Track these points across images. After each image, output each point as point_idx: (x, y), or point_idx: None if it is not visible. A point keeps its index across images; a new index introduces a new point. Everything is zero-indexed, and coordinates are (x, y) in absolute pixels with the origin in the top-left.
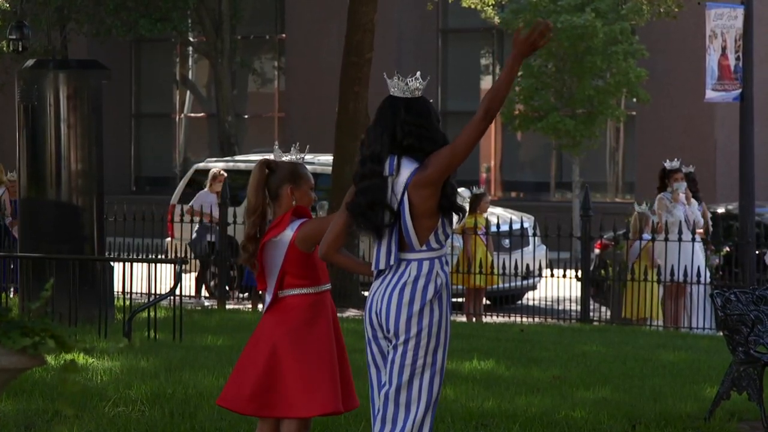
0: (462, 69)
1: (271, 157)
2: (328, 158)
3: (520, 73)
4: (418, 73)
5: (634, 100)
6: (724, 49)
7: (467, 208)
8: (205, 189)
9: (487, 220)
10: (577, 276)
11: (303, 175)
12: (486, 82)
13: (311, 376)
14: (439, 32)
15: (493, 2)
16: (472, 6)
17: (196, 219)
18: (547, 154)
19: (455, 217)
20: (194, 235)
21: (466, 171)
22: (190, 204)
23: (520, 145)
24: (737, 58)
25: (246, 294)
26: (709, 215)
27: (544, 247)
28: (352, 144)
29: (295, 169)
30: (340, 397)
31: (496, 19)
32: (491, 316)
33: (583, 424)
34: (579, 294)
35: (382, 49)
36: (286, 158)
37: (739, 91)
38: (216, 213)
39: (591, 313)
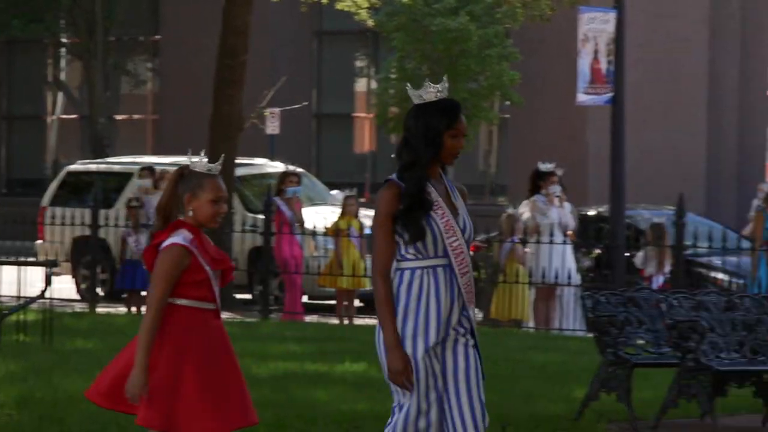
0: (338, 71)
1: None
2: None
3: (394, 75)
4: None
5: (508, 103)
6: (596, 52)
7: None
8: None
9: (360, 222)
10: None
11: (204, 186)
12: (361, 84)
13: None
14: (315, 34)
15: (367, 5)
16: (346, 9)
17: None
18: None
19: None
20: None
21: (339, 173)
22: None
23: (394, 147)
24: (609, 62)
25: (124, 296)
26: (576, 217)
27: None
28: (226, 146)
29: (197, 178)
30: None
31: (370, 22)
32: (364, 318)
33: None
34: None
35: (257, 51)
36: (200, 166)
37: (611, 94)
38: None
39: None
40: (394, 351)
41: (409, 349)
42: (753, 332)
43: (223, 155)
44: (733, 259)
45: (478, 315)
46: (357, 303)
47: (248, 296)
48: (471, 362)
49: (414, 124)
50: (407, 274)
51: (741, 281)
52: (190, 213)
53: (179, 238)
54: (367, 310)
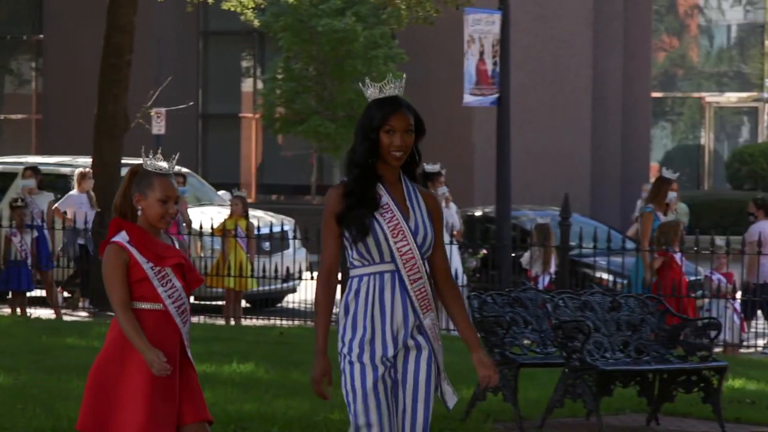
0: (223, 72)
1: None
2: (87, 160)
3: (280, 76)
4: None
5: None
6: (481, 54)
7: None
8: (74, 190)
9: (248, 223)
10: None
11: (153, 185)
12: (247, 85)
13: None
14: (200, 34)
15: (253, 5)
16: (232, 9)
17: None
18: (308, 157)
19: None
20: (64, 240)
21: (227, 174)
22: (55, 206)
23: (280, 148)
24: (494, 63)
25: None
26: (461, 217)
27: (305, 250)
28: (110, 146)
29: (147, 177)
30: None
31: (256, 22)
32: (251, 318)
33: (341, 426)
34: (339, 296)
35: (142, 51)
36: (151, 165)
37: (496, 95)
38: (91, 213)
39: None
40: (317, 358)
41: (355, 363)
42: (637, 332)
43: (177, 155)
44: (617, 259)
45: None
46: (244, 304)
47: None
48: (421, 376)
49: (358, 121)
50: (355, 281)
51: (625, 281)
52: (139, 212)
53: (118, 236)
54: (254, 311)
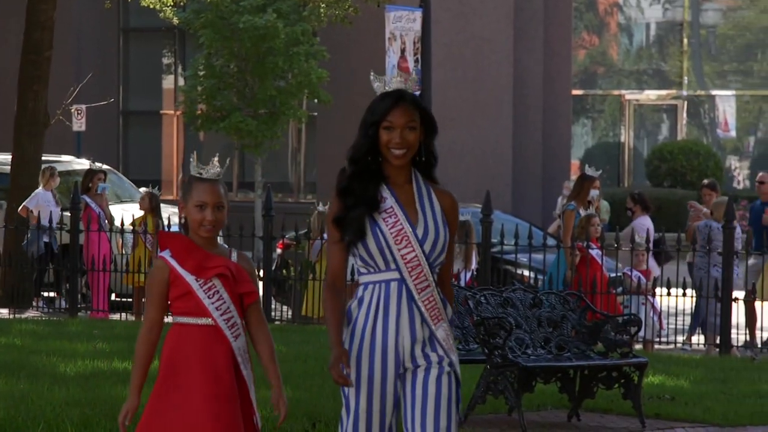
0: (144, 68)
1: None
2: (7, 157)
3: (201, 73)
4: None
5: (316, 101)
6: (403, 51)
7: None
8: (40, 188)
9: (156, 220)
10: (258, 275)
11: (192, 190)
12: (168, 82)
13: None
14: (121, 31)
15: (172, 3)
16: (151, 6)
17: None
18: (230, 154)
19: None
20: (28, 236)
21: (149, 171)
22: (23, 204)
23: (202, 145)
24: (416, 61)
25: None
26: None
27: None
28: (31, 143)
29: (189, 183)
30: None
31: (175, 20)
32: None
33: (264, 423)
34: (261, 293)
35: (62, 47)
36: (194, 170)
37: (418, 92)
38: (56, 212)
39: (273, 313)
40: (332, 350)
41: (352, 375)
42: (558, 329)
43: (217, 156)
44: (538, 256)
45: (287, 313)
46: None
47: (54, 294)
48: (430, 390)
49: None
50: (360, 289)
51: (545, 278)
52: (182, 219)
53: (164, 250)
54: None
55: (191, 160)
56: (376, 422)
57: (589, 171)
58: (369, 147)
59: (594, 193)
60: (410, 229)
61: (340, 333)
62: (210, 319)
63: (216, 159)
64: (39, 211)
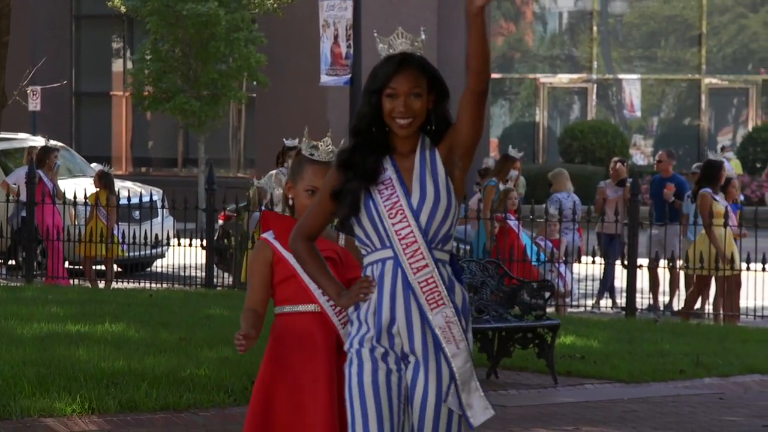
0: (95, 53)
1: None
2: None
3: (148, 57)
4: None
5: (255, 83)
6: (336, 37)
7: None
8: (25, 165)
9: (109, 196)
10: (202, 245)
11: (303, 172)
12: (117, 65)
13: None
14: (73, 18)
15: None
16: None
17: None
18: (175, 132)
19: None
20: (11, 211)
21: (100, 148)
22: (4, 179)
23: (149, 124)
24: (348, 46)
25: None
26: None
27: (172, 218)
28: None
29: (300, 163)
30: None
31: (123, 8)
32: (122, 282)
33: (206, 381)
34: (204, 261)
35: (18, 33)
36: (305, 149)
37: (349, 76)
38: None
39: (215, 279)
40: (340, 300)
41: (353, 360)
42: (478, 293)
43: (328, 137)
44: (460, 227)
45: (228, 280)
46: (116, 268)
47: (12, 262)
48: (429, 394)
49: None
50: (364, 272)
51: (467, 247)
52: (290, 202)
53: (267, 232)
54: (125, 275)
55: (304, 137)
56: (385, 409)
57: (512, 152)
58: (373, 116)
59: (513, 173)
60: (405, 201)
61: (327, 272)
62: (315, 306)
63: (329, 137)
64: (18, 186)
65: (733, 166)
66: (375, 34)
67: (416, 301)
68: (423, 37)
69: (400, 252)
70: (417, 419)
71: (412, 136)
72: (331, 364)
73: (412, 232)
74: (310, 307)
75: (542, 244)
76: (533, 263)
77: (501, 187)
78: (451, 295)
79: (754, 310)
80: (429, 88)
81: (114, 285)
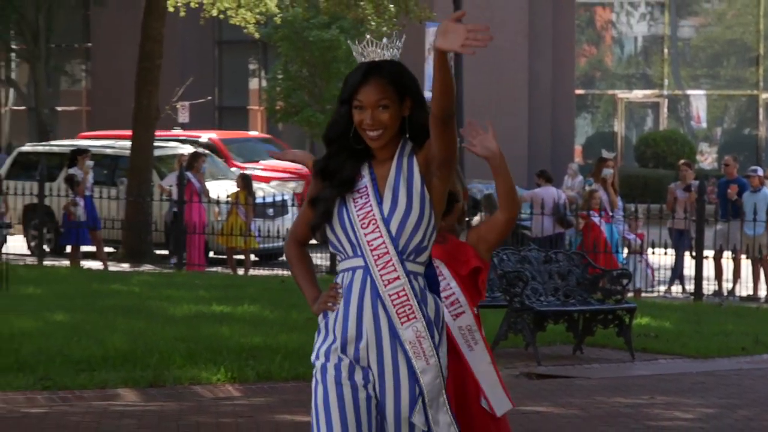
0: (235, 73)
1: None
2: (127, 144)
3: (280, 76)
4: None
5: None
6: None
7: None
8: (176, 171)
9: (247, 196)
10: None
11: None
12: (254, 83)
13: None
14: (216, 43)
15: (254, 21)
16: (238, 24)
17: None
18: (303, 141)
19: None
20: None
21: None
22: (159, 182)
23: (281, 134)
24: (450, 67)
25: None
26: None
27: None
28: (146, 133)
29: None
30: None
31: (257, 35)
32: (258, 269)
33: None
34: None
35: (170, 56)
36: None
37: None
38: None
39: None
40: (312, 307)
41: (319, 380)
42: (565, 281)
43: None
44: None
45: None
46: (253, 258)
47: (165, 252)
48: (403, 403)
49: None
50: (337, 278)
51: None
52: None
53: None
54: (261, 263)
55: None
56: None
57: (605, 154)
58: (345, 126)
59: (607, 171)
60: (378, 211)
61: (310, 278)
62: None
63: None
64: (171, 187)
65: None
66: (348, 42)
67: (386, 314)
68: (398, 41)
69: (371, 262)
70: (392, 422)
71: (390, 144)
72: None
73: (384, 243)
74: None
75: (630, 238)
76: (615, 254)
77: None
78: (423, 307)
79: None
80: (402, 96)
81: (251, 272)
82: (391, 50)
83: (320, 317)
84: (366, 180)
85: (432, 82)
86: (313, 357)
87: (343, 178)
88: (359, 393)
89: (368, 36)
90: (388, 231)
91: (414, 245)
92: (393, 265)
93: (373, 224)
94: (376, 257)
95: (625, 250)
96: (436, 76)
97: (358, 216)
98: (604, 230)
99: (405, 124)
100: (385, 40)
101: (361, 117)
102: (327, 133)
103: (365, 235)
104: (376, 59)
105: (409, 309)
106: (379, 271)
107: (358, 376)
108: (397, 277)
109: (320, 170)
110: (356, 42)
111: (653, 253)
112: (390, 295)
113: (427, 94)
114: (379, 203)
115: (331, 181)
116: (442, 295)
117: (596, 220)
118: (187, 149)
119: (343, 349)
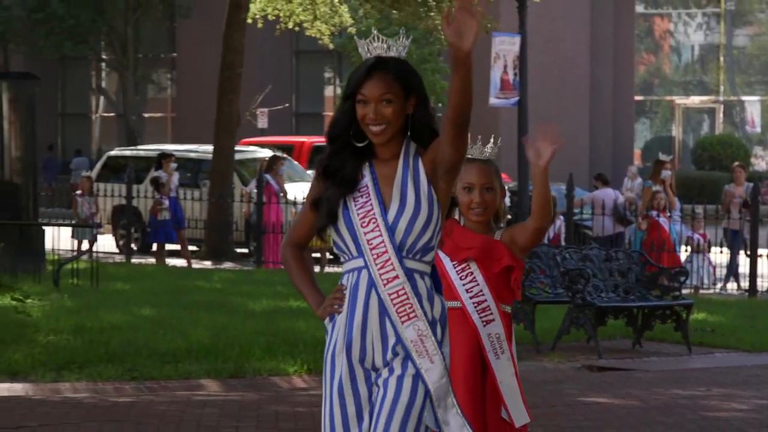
0: (311, 81)
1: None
2: (209, 148)
3: None
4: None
5: (440, 105)
6: (504, 67)
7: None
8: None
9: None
10: None
11: (462, 171)
12: (329, 90)
13: None
14: (293, 53)
15: (329, 32)
16: (313, 35)
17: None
18: None
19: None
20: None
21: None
22: (242, 188)
23: None
24: (515, 75)
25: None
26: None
27: None
28: (227, 139)
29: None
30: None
31: (331, 45)
32: (333, 267)
33: None
34: None
35: (250, 65)
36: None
37: (517, 98)
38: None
39: None
40: (317, 311)
41: (326, 392)
42: (625, 278)
43: (493, 138)
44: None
45: None
46: (328, 256)
47: (245, 250)
48: (402, 395)
49: None
50: (342, 278)
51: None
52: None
53: None
54: (335, 261)
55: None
56: (354, 427)
57: (662, 156)
58: (347, 123)
59: (666, 173)
60: (378, 210)
61: (311, 282)
62: (458, 302)
63: (489, 138)
64: (251, 191)
65: None
66: (354, 36)
67: (387, 314)
68: (404, 39)
69: (370, 261)
70: (385, 415)
71: (393, 142)
72: (466, 360)
73: (383, 241)
74: (454, 303)
75: (694, 237)
76: (678, 253)
77: (654, 188)
78: (425, 306)
79: None
80: (407, 93)
81: (326, 270)
82: (397, 48)
83: (326, 320)
84: (367, 179)
85: (449, 88)
86: (325, 356)
87: (344, 178)
88: (362, 400)
89: (374, 31)
90: (390, 231)
91: (421, 245)
92: (392, 263)
93: (373, 223)
94: (375, 256)
95: (688, 249)
96: (460, 83)
97: (359, 215)
98: (668, 229)
99: (408, 122)
100: (390, 41)
101: (365, 111)
102: (329, 131)
103: (365, 234)
104: (382, 54)
105: (409, 308)
106: (378, 270)
107: (362, 386)
108: (396, 276)
109: (323, 170)
110: (356, 38)
111: (708, 251)
112: (389, 294)
113: (494, 101)
114: (381, 203)
115: (333, 181)
116: (474, 300)
117: (660, 220)
118: (266, 153)
119: (349, 351)
